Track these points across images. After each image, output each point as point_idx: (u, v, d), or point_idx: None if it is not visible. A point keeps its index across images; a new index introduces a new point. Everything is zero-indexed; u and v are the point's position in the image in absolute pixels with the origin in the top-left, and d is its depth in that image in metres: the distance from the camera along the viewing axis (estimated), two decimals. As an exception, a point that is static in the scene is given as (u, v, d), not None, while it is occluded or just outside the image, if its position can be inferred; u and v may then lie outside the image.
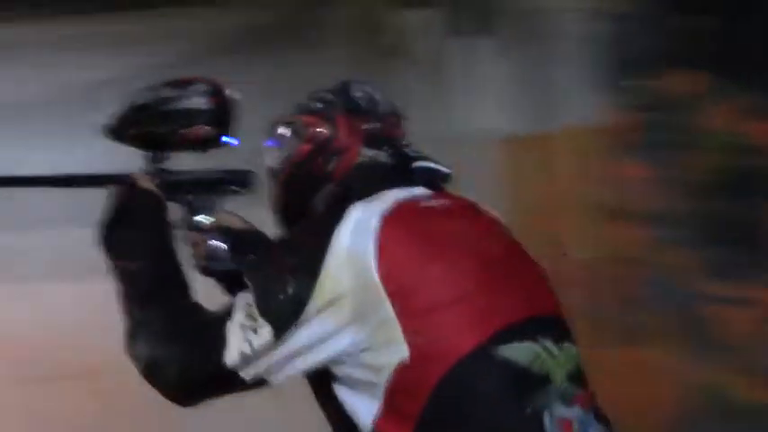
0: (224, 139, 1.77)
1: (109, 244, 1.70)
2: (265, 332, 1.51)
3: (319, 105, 1.70)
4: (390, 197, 1.59)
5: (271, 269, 1.56)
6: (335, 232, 1.51)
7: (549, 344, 1.55)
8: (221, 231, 1.79)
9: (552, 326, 1.60)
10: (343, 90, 1.72)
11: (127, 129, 1.77)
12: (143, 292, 1.64)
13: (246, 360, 1.52)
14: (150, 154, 1.78)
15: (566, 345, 1.59)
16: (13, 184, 1.89)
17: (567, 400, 1.55)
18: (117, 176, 1.76)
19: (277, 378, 1.54)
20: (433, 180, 1.67)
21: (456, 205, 1.66)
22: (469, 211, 1.67)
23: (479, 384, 1.50)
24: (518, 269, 1.63)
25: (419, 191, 1.63)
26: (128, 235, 1.68)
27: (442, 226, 1.59)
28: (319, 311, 1.50)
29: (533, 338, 1.54)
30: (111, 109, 1.79)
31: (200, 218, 1.79)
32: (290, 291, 1.50)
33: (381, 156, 1.66)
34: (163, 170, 1.78)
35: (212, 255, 1.78)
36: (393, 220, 1.54)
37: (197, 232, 1.79)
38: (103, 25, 5.31)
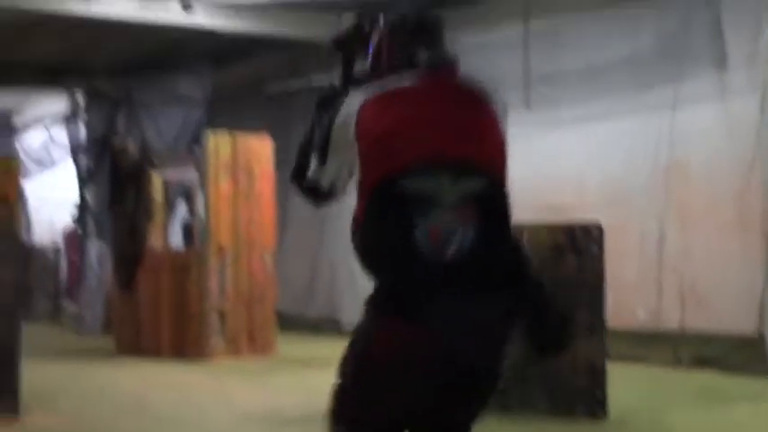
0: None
1: (316, 108, 2.84)
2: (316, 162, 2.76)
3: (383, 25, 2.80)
4: (384, 85, 2.69)
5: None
6: (345, 105, 2.69)
7: (445, 179, 2.50)
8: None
9: (456, 167, 2.50)
10: (399, 20, 2.78)
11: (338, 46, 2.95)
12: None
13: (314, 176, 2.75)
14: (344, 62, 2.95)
15: (464, 179, 2.51)
16: None
17: (445, 215, 2.49)
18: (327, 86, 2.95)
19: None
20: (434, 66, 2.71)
21: (429, 85, 2.68)
22: (439, 89, 2.69)
23: (382, 201, 2.53)
24: (451, 127, 2.58)
25: (412, 77, 2.69)
26: (318, 112, 2.83)
27: (400, 99, 2.65)
28: (333, 151, 2.68)
29: (432, 174, 2.51)
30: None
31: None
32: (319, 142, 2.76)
33: (404, 58, 2.72)
34: (348, 72, 2.92)
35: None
36: (369, 101, 2.65)
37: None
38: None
